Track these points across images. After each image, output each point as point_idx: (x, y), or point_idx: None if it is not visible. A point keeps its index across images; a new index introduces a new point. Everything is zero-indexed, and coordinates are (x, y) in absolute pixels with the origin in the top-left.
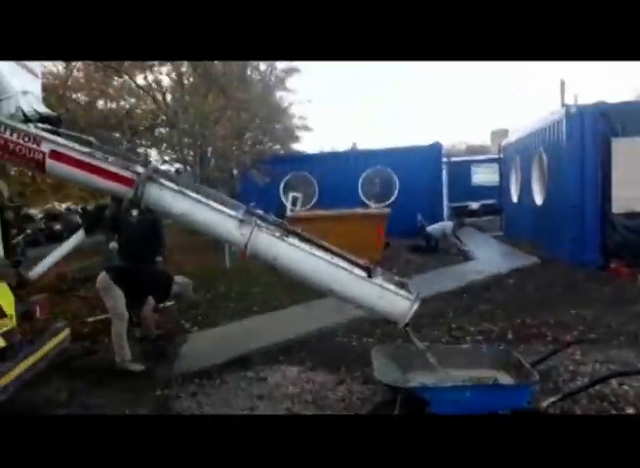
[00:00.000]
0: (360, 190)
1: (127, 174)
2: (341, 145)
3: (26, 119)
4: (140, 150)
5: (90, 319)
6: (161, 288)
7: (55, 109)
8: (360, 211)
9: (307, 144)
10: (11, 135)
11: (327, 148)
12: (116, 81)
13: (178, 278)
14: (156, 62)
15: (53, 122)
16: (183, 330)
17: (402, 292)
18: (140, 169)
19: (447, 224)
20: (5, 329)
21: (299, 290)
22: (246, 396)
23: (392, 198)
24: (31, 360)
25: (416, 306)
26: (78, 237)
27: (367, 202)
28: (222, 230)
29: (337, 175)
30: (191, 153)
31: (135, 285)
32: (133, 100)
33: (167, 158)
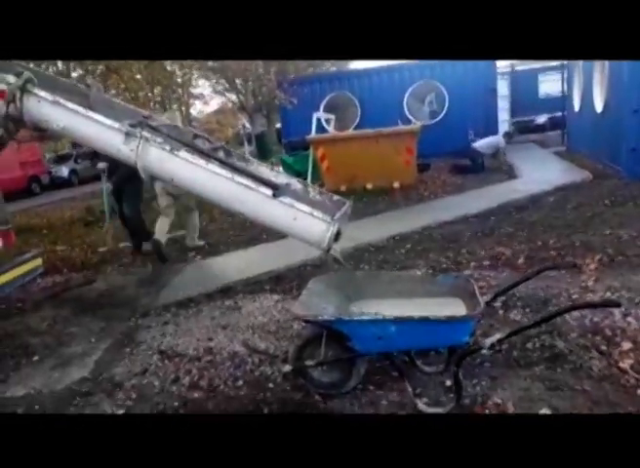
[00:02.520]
0: (406, 108)
1: None
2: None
3: None
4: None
5: (100, 249)
6: None
7: None
8: (385, 129)
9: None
10: None
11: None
12: None
13: None
14: None
15: None
16: (185, 258)
17: (316, 212)
18: (11, 79)
19: (498, 140)
20: None
21: None
22: (212, 326)
23: (442, 115)
24: None
25: (333, 229)
26: None
27: (414, 121)
28: (110, 146)
29: (380, 92)
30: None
31: None
32: None
33: (220, 88)
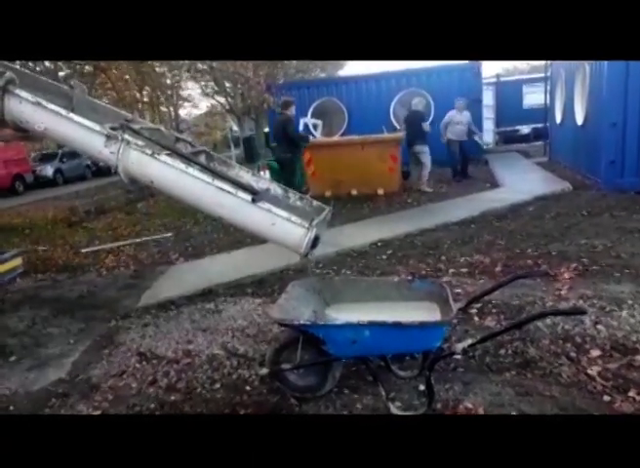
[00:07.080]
0: (393, 115)
1: None
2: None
3: None
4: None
5: (83, 250)
6: None
7: None
8: (370, 136)
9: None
10: None
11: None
12: None
13: None
14: None
15: None
16: (168, 261)
17: (294, 218)
18: None
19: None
20: None
21: None
22: (192, 328)
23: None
24: None
25: (311, 234)
26: None
27: (400, 128)
28: (91, 148)
29: (368, 99)
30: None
31: None
32: None
33: (209, 90)
